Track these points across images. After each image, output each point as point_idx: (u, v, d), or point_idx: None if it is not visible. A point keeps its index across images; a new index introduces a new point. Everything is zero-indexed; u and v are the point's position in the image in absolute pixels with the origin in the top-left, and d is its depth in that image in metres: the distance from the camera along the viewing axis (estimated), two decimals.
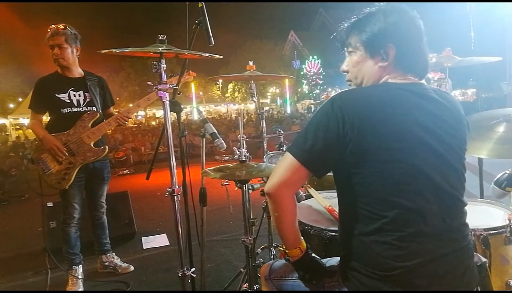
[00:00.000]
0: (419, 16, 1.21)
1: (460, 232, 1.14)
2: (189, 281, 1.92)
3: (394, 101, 1.11)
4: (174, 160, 1.85)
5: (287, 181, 1.14)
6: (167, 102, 1.80)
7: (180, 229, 1.87)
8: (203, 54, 1.83)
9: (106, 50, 1.65)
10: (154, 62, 1.74)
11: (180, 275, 1.87)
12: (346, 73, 1.30)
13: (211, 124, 2.07)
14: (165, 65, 1.76)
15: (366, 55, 1.22)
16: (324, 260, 1.36)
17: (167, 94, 1.79)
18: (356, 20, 1.24)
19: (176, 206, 1.85)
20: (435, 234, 1.07)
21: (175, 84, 1.90)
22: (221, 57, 1.99)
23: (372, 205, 1.07)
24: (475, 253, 1.27)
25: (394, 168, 1.05)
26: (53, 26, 2.67)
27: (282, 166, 1.15)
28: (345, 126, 1.06)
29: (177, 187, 1.85)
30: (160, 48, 1.68)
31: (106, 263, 3.10)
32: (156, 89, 1.76)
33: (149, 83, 1.80)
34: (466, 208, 1.19)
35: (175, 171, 1.87)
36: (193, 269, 1.93)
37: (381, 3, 1.22)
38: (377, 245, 1.07)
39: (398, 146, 1.05)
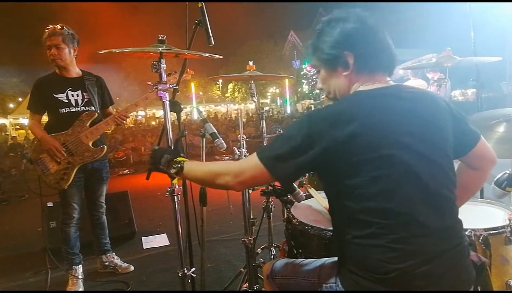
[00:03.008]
0: (366, 14, 1.21)
1: (454, 230, 1.14)
2: (189, 281, 1.92)
3: (370, 110, 1.10)
4: None
5: (252, 184, 1.28)
6: (167, 102, 1.79)
7: (180, 229, 1.86)
8: (203, 54, 1.82)
9: (106, 51, 1.65)
10: (154, 62, 1.73)
11: (180, 275, 1.87)
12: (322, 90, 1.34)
13: (211, 124, 2.06)
14: (165, 65, 1.75)
15: (328, 70, 1.26)
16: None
17: (167, 94, 1.78)
18: (311, 41, 1.29)
19: (176, 206, 1.85)
20: (428, 235, 1.07)
21: (174, 84, 1.89)
22: (221, 57, 1.98)
23: (363, 212, 1.07)
24: (475, 253, 1.27)
25: (380, 176, 1.05)
26: (50, 26, 2.67)
27: (251, 167, 1.16)
28: (315, 145, 1.07)
29: (177, 186, 1.85)
30: (160, 48, 1.68)
31: (106, 263, 3.10)
32: (156, 89, 1.75)
33: (149, 83, 1.79)
34: (466, 207, 1.19)
35: None
36: (193, 269, 1.92)
37: (325, 18, 1.25)
38: (371, 249, 1.07)
39: (379, 154, 1.05)
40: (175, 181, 1.60)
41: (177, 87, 1.94)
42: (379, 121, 1.07)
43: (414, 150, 1.08)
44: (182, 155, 1.45)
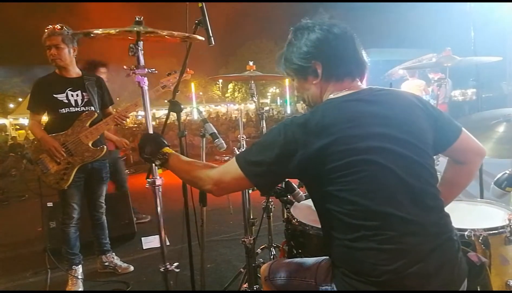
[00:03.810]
0: (332, 22, 1.24)
1: (441, 224, 1.14)
2: (171, 282, 1.87)
3: (339, 118, 1.11)
4: None
5: (233, 190, 1.28)
6: (145, 87, 1.67)
7: (161, 222, 1.83)
8: (179, 34, 1.69)
9: (80, 32, 1.59)
10: (131, 45, 1.63)
11: (162, 271, 1.82)
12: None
13: (211, 124, 2.06)
14: (142, 48, 1.64)
15: (300, 80, 1.29)
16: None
17: (145, 79, 1.67)
18: (282, 52, 1.31)
19: (158, 199, 1.77)
20: (417, 232, 1.07)
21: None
22: (202, 39, 1.76)
23: (349, 216, 1.08)
24: (474, 253, 1.27)
25: (360, 179, 1.06)
26: (50, 26, 2.67)
27: (231, 174, 1.18)
28: (290, 154, 1.09)
29: (158, 178, 1.76)
30: (136, 28, 1.56)
31: (106, 263, 3.10)
32: (133, 74, 1.64)
33: (125, 67, 1.67)
34: (465, 207, 1.19)
35: None
36: (176, 264, 1.87)
37: (292, 28, 1.28)
38: (362, 252, 1.07)
39: (350, 160, 1.06)
40: (159, 171, 1.55)
41: (156, 72, 1.80)
42: (348, 128, 1.09)
43: (388, 151, 1.08)
44: (167, 144, 1.44)
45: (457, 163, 1.37)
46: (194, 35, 1.69)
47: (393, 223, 1.06)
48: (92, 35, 1.59)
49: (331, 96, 1.22)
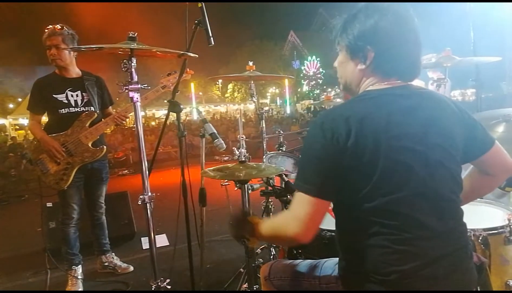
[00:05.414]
0: (409, 14, 1.15)
1: (457, 232, 1.13)
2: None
3: (373, 113, 1.07)
4: (146, 163, 1.79)
5: (317, 222, 1.10)
6: (138, 103, 1.70)
7: (153, 236, 1.78)
8: (173, 51, 1.73)
9: (75, 47, 1.61)
10: (124, 60, 1.65)
11: (154, 288, 1.78)
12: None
13: (210, 124, 2.06)
14: (135, 64, 1.66)
15: (347, 56, 1.21)
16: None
17: (137, 95, 1.69)
18: (344, 20, 1.20)
19: (149, 214, 1.75)
20: (431, 237, 1.06)
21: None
22: (196, 56, 1.82)
23: (367, 213, 1.06)
24: (475, 253, 1.27)
25: (382, 179, 1.04)
26: (50, 26, 2.67)
27: (302, 205, 1.08)
28: (332, 148, 1.04)
29: (149, 193, 1.74)
30: (131, 46, 1.59)
31: (106, 263, 3.10)
32: (126, 90, 1.66)
33: (120, 84, 1.69)
34: (465, 207, 1.18)
35: (147, 173, 1.81)
36: (168, 280, 1.84)
37: (364, 3, 1.17)
38: (374, 249, 1.06)
39: (385, 158, 1.03)
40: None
41: (148, 87, 1.83)
42: (381, 126, 1.05)
43: (418, 152, 1.06)
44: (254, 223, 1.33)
45: (482, 173, 1.33)
46: (191, 53, 1.74)
47: (411, 225, 1.04)
48: (97, 48, 1.59)
49: (369, 87, 1.17)
